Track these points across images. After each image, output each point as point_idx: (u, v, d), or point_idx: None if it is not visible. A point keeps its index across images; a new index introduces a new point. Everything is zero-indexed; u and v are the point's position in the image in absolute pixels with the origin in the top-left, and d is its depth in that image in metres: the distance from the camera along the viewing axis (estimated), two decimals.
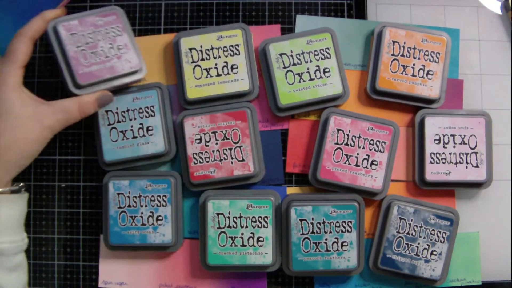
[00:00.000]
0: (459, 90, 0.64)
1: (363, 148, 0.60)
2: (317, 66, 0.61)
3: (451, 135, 0.61)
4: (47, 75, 0.66)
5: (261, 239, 0.59)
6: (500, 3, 0.66)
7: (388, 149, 0.60)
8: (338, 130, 0.60)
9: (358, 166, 0.60)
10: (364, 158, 0.60)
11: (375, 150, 0.60)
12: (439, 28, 0.65)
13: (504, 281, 0.63)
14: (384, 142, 0.60)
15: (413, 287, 0.62)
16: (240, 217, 0.59)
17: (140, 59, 0.60)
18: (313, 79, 0.61)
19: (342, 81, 0.61)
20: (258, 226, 0.59)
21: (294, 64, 0.61)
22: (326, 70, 0.61)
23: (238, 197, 0.60)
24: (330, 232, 0.59)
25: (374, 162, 0.60)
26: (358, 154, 0.60)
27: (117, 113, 0.61)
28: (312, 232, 0.59)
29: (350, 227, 0.59)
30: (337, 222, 0.59)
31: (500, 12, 0.66)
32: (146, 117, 0.61)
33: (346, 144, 0.60)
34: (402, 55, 0.62)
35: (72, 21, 0.59)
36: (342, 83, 0.61)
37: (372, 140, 0.60)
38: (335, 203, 0.59)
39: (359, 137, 0.60)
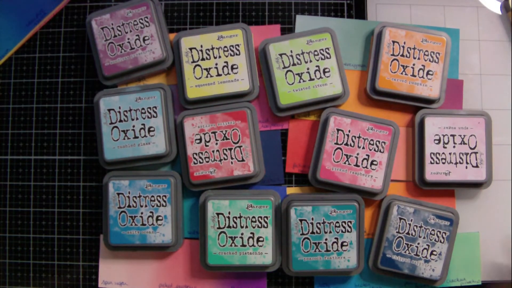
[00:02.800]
0: (459, 90, 0.64)
1: (363, 148, 0.60)
2: (317, 66, 0.61)
3: (451, 135, 0.61)
4: (47, 75, 0.66)
5: (261, 239, 0.59)
6: (500, 3, 0.66)
7: (388, 149, 0.60)
8: (338, 130, 0.60)
9: (358, 166, 0.60)
10: (364, 158, 0.60)
11: (375, 150, 0.60)
12: (439, 28, 0.65)
13: (504, 281, 0.63)
14: (384, 142, 0.60)
15: (413, 287, 0.62)
16: (240, 217, 0.59)
17: (165, 50, 0.61)
18: (313, 79, 0.61)
19: (342, 81, 0.61)
20: (258, 226, 0.59)
21: (294, 64, 0.61)
22: (326, 70, 0.61)
23: (238, 197, 0.60)
24: (330, 232, 0.59)
25: (374, 162, 0.60)
26: (358, 154, 0.60)
27: (119, 112, 0.61)
28: (312, 232, 0.59)
29: (350, 227, 0.59)
30: (337, 222, 0.59)
31: (500, 12, 0.66)
32: (148, 117, 0.61)
33: (346, 144, 0.60)
34: (402, 55, 0.62)
35: (104, 15, 0.62)
36: (342, 83, 0.61)
37: (372, 140, 0.60)
38: (335, 203, 0.59)
39: (359, 137, 0.60)
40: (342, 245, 0.59)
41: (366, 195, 0.61)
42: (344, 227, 0.59)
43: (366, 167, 0.60)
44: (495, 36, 0.66)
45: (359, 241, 0.59)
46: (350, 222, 0.59)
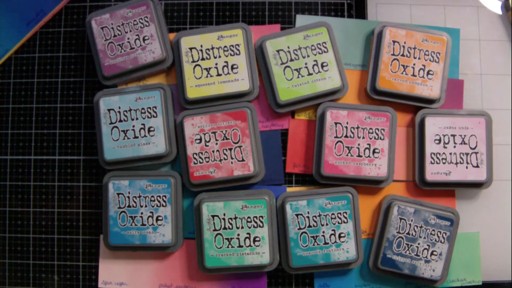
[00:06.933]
0: (459, 90, 0.64)
1: (363, 138, 0.60)
2: (315, 60, 0.61)
3: (451, 135, 0.61)
4: (47, 75, 0.66)
5: (257, 238, 0.59)
6: (500, 3, 0.66)
7: (388, 135, 0.60)
8: (335, 123, 0.60)
9: (361, 156, 0.60)
10: (366, 148, 0.60)
11: (375, 138, 0.60)
12: (439, 28, 0.64)
13: (504, 281, 0.62)
14: (383, 129, 0.60)
15: (413, 287, 0.62)
16: (235, 218, 0.59)
17: (165, 50, 0.61)
18: (312, 74, 0.61)
19: (341, 74, 0.61)
20: (254, 226, 0.59)
21: (291, 60, 0.61)
22: (324, 64, 0.61)
23: (232, 198, 0.60)
24: (327, 224, 0.59)
25: (376, 150, 0.60)
26: (359, 144, 0.60)
27: (119, 112, 0.61)
28: (309, 226, 0.59)
29: (345, 217, 0.59)
30: (333, 214, 0.59)
31: (500, 12, 0.66)
32: (148, 117, 0.61)
33: (346, 136, 0.60)
34: (402, 55, 0.62)
35: (104, 15, 0.62)
36: (341, 77, 0.61)
37: (371, 128, 0.60)
38: (329, 195, 0.59)
39: (358, 127, 0.60)
40: (340, 237, 0.59)
41: (372, 184, 0.61)
42: (340, 218, 0.59)
43: (369, 156, 0.60)
44: (495, 36, 0.66)
45: (356, 231, 0.59)
46: (346, 212, 0.59)
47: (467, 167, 0.60)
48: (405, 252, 0.59)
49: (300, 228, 0.59)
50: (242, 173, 0.60)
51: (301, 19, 0.65)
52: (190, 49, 0.62)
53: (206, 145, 0.60)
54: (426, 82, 0.61)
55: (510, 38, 0.66)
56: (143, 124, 0.61)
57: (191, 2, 0.66)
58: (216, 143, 0.60)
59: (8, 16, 0.65)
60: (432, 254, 0.59)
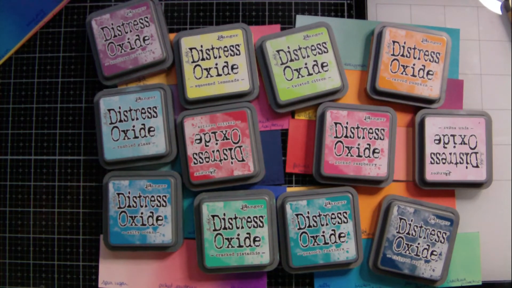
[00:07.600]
0: (459, 90, 0.64)
1: (363, 138, 0.60)
2: (315, 61, 0.61)
3: (451, 135, 0.61)
4: (47, 75, 0.66)
5: (257, 238, 0.59)
6: (500, 3, 0.66)
7: (388, 136, 0.60)
8: (335, 123, 0.60)
9: (361, 156, 0.60)
10: (366, 148, 0.60)
11: (375, 138, 0.60)
12: (439, 28, 0.65)
13: (504, 281, 0.62)
14: (383, 129, 0.60)
15: (413, 287, 0.62)
16: (235, 218, 0.59)
17: (165, 50, 0.62)
18: (312, 74, 0.61)
19: (341, 74, 0.61)
20: (254, 226, 0.59)
21: (291, 60, 0.61)
22: (324, 64, 0.61)
23: (232, 198, 0.60)
24: (327, 224, 0.59)
25: (376, 150, 0.60)
26: (359, 144, 0.60)
27: (119, 112, 0.61)
28: (309, 226, 0.59)
29: (345, 217, 0.59)
30: (333, 214, 0.59)
31: (500, 12, 0.66)
32: (148, 117, 0.61)
33: (346, 136, 0.60)
34: (402, 55, 0.62)
35: (104, 15, 0.62)
36: (341, 77, 0.61)
37: (371, 129, 0.60)
38: (329, 195, 0.59)
39: (358, 127, 0.60)
40: (339, 237, 0.59)
41: (372, 184, 0.61)
42: (340, 218, 0.59)
43: (368, 156, 0.60)
44: (495, 36, 0.66)
45: (356, 231, 0.59)
46: (346, 212, 0.59)
47: (467, 167, 0.61)
48: (405, 252, 0.59)
49: (300, 228, 0.59)
50: (242, 173, 0.60)
51: (301, 19, 0.65)
52: (190, 49, 0.62)
53: (206, 145, 0.60)
54: (426, 82, 0.61)
55: (510, 38, 0.66)
56: (143, 124, 0.61)
57: (191, 2, 0.66)
58: (216, 143, 0.60)
59: (8, 16, 0.65)
60: (432, 254, 0.59)
